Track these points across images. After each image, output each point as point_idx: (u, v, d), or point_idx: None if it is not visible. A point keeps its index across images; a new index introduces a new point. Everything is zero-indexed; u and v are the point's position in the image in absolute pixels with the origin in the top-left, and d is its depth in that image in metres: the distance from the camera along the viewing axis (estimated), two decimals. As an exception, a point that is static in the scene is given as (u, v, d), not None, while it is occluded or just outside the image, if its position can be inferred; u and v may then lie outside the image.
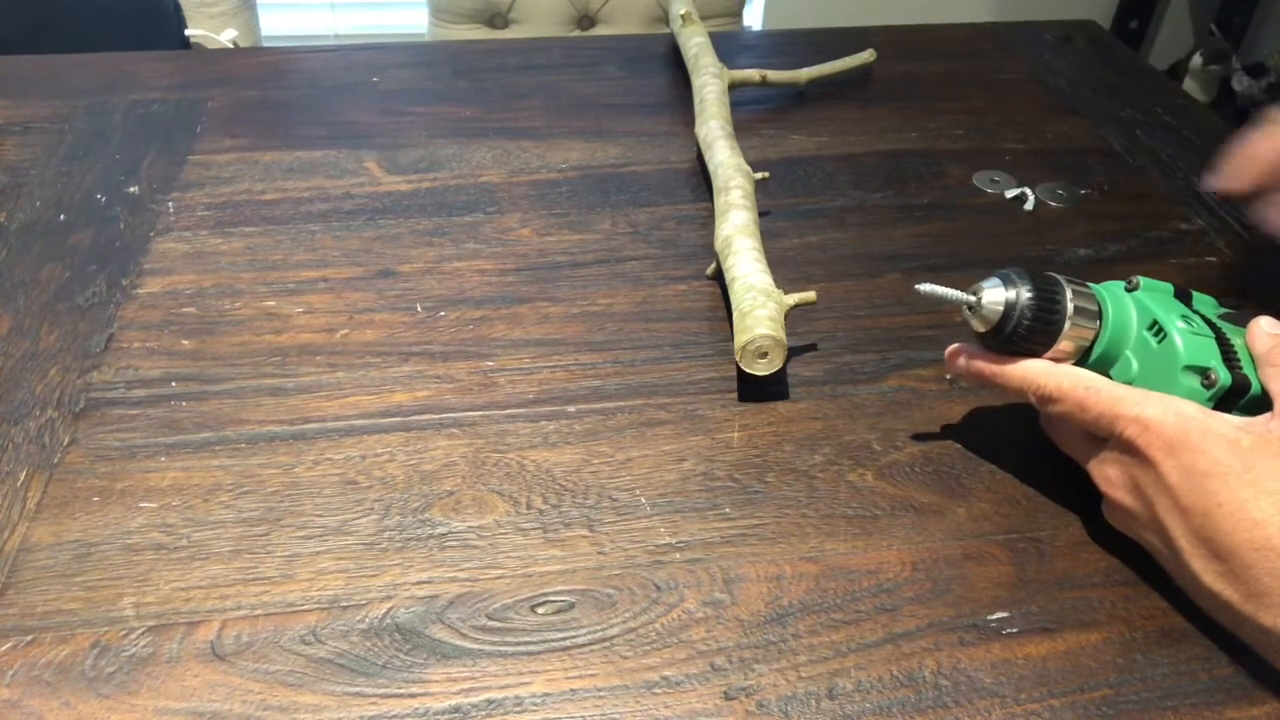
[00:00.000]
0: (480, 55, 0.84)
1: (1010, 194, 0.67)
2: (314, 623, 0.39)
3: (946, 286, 0.43)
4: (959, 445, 0.48)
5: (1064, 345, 0.42)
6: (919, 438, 0.48)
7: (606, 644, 0.39)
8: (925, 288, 0.43)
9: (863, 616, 0.40)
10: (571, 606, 0.40)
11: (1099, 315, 0.42)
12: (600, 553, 0.43)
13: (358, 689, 0.37)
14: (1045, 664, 0.39)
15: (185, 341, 0.53)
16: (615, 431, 0.48)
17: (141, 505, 0.44)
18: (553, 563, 0.42)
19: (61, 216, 0.62)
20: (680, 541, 0.43)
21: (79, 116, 0.72)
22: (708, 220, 0.61)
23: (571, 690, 0.38)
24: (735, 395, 0.50)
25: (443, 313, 0.55)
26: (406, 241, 0.61)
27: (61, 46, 0.82)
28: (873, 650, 0.39)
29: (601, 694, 0.37)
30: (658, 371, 0.52)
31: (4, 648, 0.38)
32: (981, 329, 0.42)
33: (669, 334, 0.54)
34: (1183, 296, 0.43)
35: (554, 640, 0.39)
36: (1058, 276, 0.42)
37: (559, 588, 0.41)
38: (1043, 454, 0.46)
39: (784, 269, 0.58)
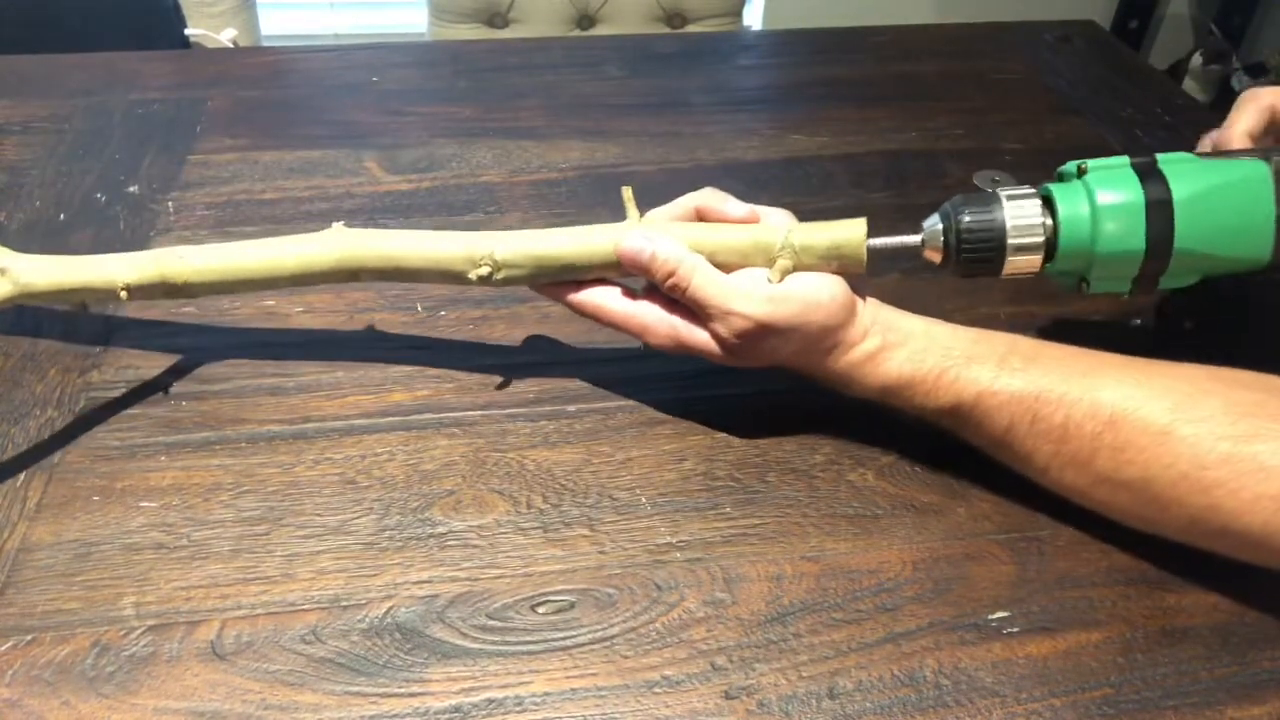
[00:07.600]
0: (480, 55, 0.84)
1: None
2: (314, 622, 0.39)
3: (893, 237, 0.44)
4: (959, 445, 0.47)
5: (1019, 256, 0.43)
6: (919, 437, 0.48)
7: (607, 643, 0.39)
8: (875, 242, 0.44)
9: (863, 616, 0.40)
10: (572, 606, 0.40)
11: (1046, 210, 0.43)
12: (601, 552, 0.43)
13: (358, 688, 0.37)
14: (1046, 663, 0.39)
15: (185, 340, 0.53)
16: (615, 431, 0.48)
17: (142, 505, 0.44)
18: (553, 562, 0.42)
19: (61, 216, 0.62)
20: (681, 541, 0.43)
21: (78, 116, 0.72)
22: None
23: (572, 690, 0.37)
24: (736, 394, 0.50)
25: (443, 312, 0.55)
26: (406, 241, 0.60)
27: (61, 46, 0.82)
28: (873, 649, 0.39)
29: (602, 693, 0.37)
30: (658, 370, 0.52)
31: (4, 647, 0.38)
32: (938, 260, 0.44)
33: (669, 333, 0.54)
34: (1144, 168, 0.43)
35: (554, 640, 0.39)
36: (998, 191, 0.43)
37: (559, 587, 0.41)
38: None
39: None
